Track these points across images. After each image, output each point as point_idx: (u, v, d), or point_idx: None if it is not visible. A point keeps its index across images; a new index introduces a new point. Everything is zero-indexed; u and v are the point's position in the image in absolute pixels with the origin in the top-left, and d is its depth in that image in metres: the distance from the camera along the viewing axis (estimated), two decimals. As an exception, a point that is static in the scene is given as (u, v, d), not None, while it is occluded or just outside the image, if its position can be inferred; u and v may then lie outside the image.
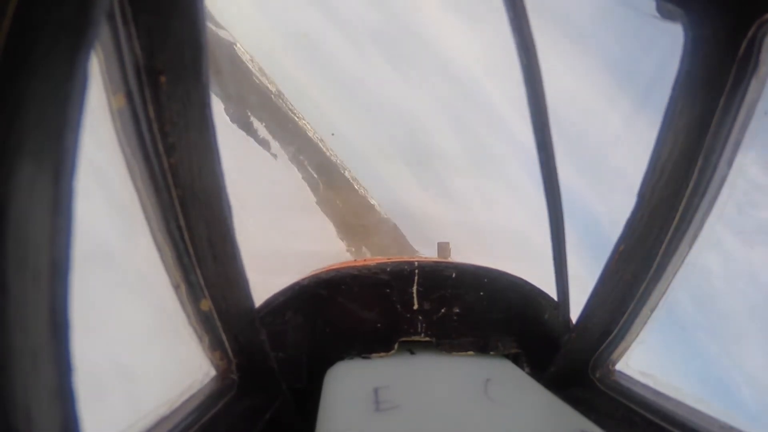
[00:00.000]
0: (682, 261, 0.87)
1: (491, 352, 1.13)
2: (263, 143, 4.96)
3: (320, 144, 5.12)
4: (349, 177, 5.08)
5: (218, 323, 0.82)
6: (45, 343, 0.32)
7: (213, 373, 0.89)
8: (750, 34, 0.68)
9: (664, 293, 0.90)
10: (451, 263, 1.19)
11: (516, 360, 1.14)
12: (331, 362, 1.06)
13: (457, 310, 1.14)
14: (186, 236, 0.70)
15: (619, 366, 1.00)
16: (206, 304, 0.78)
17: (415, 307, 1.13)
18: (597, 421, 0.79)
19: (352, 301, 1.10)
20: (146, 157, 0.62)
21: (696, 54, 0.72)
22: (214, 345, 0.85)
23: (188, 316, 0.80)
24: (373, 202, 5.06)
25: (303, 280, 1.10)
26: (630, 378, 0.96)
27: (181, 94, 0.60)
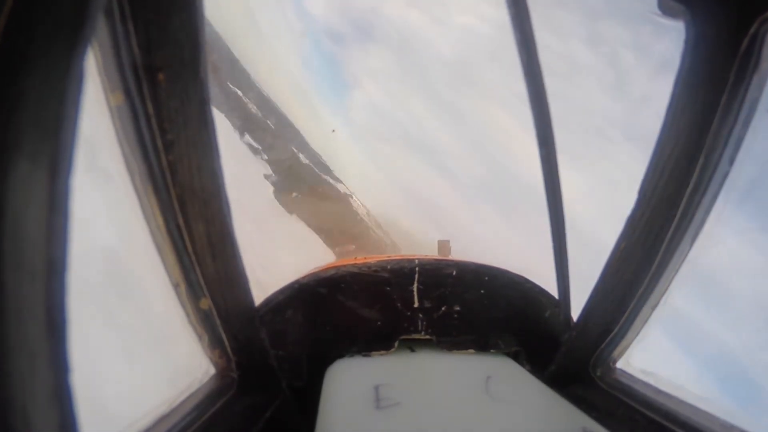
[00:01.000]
0: (684, 259, 0.86)
1: (492, 350, 1.13)
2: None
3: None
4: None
5: (218, 322, 0.81)
6: (42, 342, 0.32)
7: (212, 371, 0.89)
8: (752, 30, 0.68)
9: (665, 291, 0.89)
10: (452, 261, 1.19)
11: (516, 358, 1.14)
12: (331, 360, 1.06)
13: (458, 308, 1.13)
14: (185, 235, 0.70)
15: (620, 364, 0.99)
16: (206, 303, 0.78)
17: (416, 305, 1.13)
18: (598, 419, 0.79)
19: (352, 299, 1.10)
20: (145, 155, 0.62)
21: (697, 51, 0.72)
22: (214, 343, 0.85)
23: (188, 315, 0.80)
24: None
25: (303, 278, 1.10)
26: (631, 376, 0.96)
27: (179, 91, 0.60)
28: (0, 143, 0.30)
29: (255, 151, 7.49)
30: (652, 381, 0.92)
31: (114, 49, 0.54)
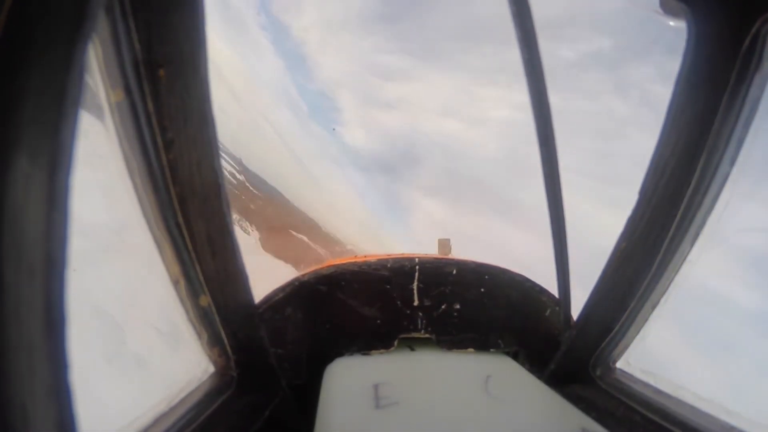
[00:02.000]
0: (684, 259, 0.86)
1: (491, 349, 1.13)
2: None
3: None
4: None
5: (217, 319, 0.81)
6: (41, 339, 0.32)
7: (212, 369, 0.89)
8: (753, 30, 0.68)
9: (665, 291, 0.89)
10: (452, 260, 1.19)
11: (516, 357, 1.14)
12: (330, 359, 1.06)
13: (458, 307, 1.13)
14: (185, 232, 0.70)
15: (620, 364, 0.99)
16: (205, 300, 0.78)
17: (416, 303, 1.13)
18: (597, 419, 0.79)
19: (352, 297, 1.10)
20: (145, 153, 0.62)
21: (699, 50, 0.72)
22: (213, 341, 0.85)
23: (187, 312, 0.79)
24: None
25: (303, 275, 1.10)
26: (631, 376, 0.96)
27: (180, 88, 0.60)
28: (0, 140, 0.30)
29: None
30: (651, 381, 0.92)
31: (115, 45, 0.54)
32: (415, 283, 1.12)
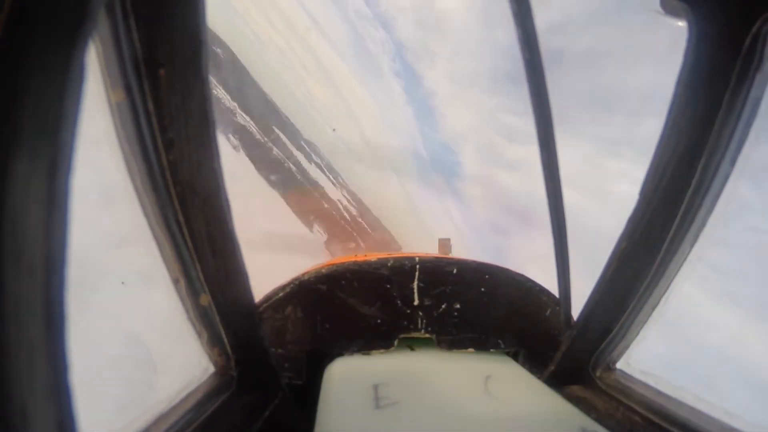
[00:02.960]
0: (684, 259, 0.86)
1: (491, 350, 1.13)
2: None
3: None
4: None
5: (217, 318, 0.81)
6: (40, 339, 0.32)
7: (212, 369, 0.89)
8: (754, 30, 0.68)
9: (665, 292, 0.89)
10: (453, 259, 1.19)
11: (516, 357, 1.14)
12: (330, 358, 1.06)
13: (458, 306, 1.13)
14: (185, 232, 0.70)
15: (620, 365, 0.99)
16: (205, 299, 0.78)
17: (416, 303, 1.13)
18: (597, 420, 0.79)
19: (352, 297, 1.10)
20: (145, 154, 0.62)
21: (700, 50, 0.71)
22: (213, 341, 0.85)
23: (187, 311, 0.79)
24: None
25: (303, 275, 1.10)
26: (631, 377, 0.96)
27: (180, 87, 0.60)
28: (0, 140, 0.30)
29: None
30: (651, 382, 0.92)
31: (115, 44, 0.54)
32: (416, 283, 1.12)
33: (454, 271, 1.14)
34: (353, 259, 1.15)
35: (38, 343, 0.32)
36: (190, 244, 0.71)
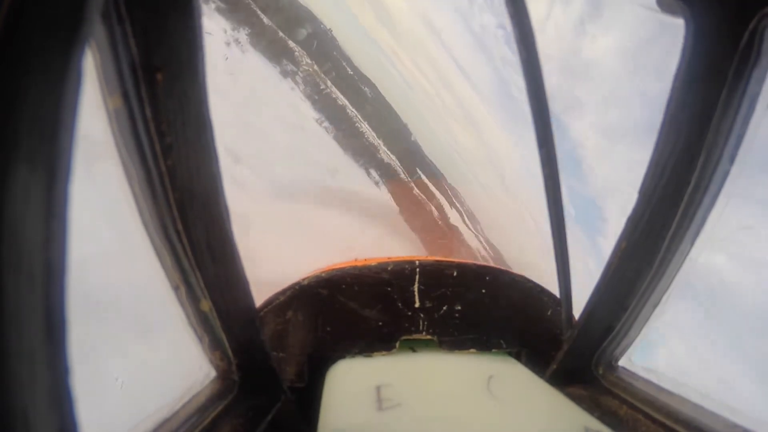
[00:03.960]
0: (685, 257, 0.86)
1: (493, 350, 1.13)
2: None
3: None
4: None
5: (218, 323, 0.81)
6: (41, 345, 0.32)
7: (213, 374, 0.89)
8: (751, 26, 0.68)
9: (666, 290, 0.89)
10: (453, 262, 1.19)
11: (518, 357, 1.14)
12: (332, 361, 1.06)
13: (459, 308, 1.13)
14: (184, 238, 0.70)
15: (622, 362, 0.99)
16: (206, 305, 0.78)
17: (417, 305, 1.13)
18: (600, 418, 0.79)
19: (353, 300, 1.10)
20: (143, 160, 0.62)
21: (697, 47, 0.72)
22: (214, 345, 0.85)
23: (188, 317, 0.79)
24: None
25: (303, 279, 1.10)
26: (633, 374, 0.96)
27: (178, 91, 0.60)
28: None
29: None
30: (654, 379, 0.91)
31: (112, 50, 0.54)
32: (416, 285, 1.12)
33: (455, 273, 1.14)
34: (353, 264, 1.15)
35: (39, 350, 0.32)
36: (189, 251, 0.71)
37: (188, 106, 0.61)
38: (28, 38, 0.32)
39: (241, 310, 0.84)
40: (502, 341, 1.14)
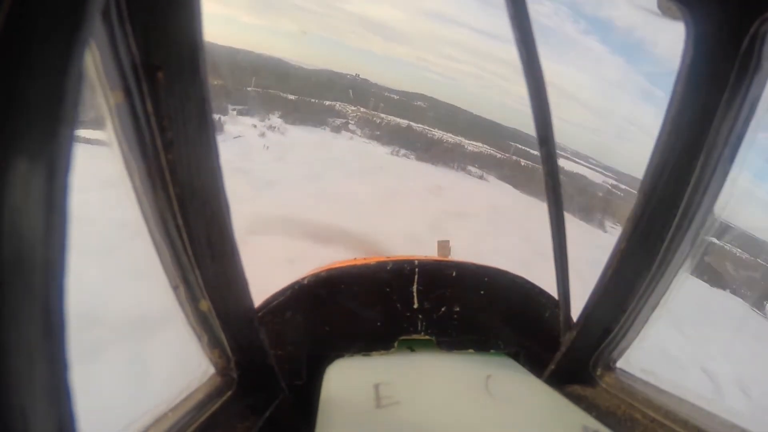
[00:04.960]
0: (684, 259, 0.86)
1: (492, 350, 1.13)
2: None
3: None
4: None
5: (217, 323, 0.81)
6: (40, 341, 0.32)
7: (212, 371, 0.89)
8: (752, 30, 0.68)
9: (666, 291, 0.89)
10: (452, 262, 1.19)
11: (517, 358, 1.14)
12: (330, 360, 1.06)
13: (458, 309, 1.13)
14: (184, 235, 0.70)
15: (621, 363, 0.99)
16: (205, 305, 0.78)
17: (415, 305, 1.13)
18: (598, 418, 0.79)
19: (351, 300, 1.10)
20: (144, 154, 0.62)
21: (698, 51, 0.72)
22: (213, 343, 0.85)
23: (187, 316, 0.79)
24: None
25: (302, 279, 1.10)
26: (632, 375, 0.96)
27: (178, 90, 0.60)
28: None
29: None
30: (652, 380, 0.92)
31: (112, 49, 0.54)
32: (415, 286, 1.12)
33: (454, 273, 1.14)
34: (352, 263, 1.15)
35: (38, 346, 0.32)
36: (189, 249, 0.71)
37: (189, 104, 0.62)
38: (29, 36, 0.32)
39: (240, 310, 0.84)
40: (500, 342, 1.14)
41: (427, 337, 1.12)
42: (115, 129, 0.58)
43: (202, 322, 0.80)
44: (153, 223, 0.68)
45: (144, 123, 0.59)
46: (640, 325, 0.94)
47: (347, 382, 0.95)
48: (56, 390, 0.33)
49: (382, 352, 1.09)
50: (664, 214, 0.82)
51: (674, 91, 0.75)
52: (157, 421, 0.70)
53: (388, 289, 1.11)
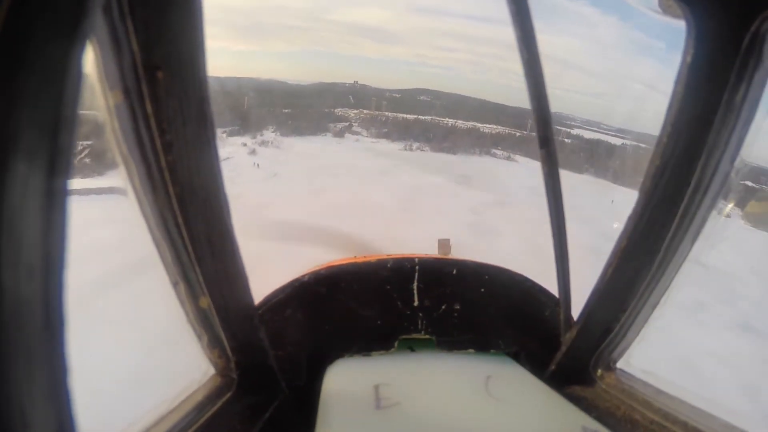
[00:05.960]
0: (685, 258, 0.86)
1: (492, 350, 1.13)
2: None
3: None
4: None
5: (217, 320, 0.81)
6: (40, 342, 0.32)
7: (212, 371, 0.89)
8: (753, 29, 0.68)
9: (666, 291, 0.89)
10: (452, 260, 1.19)
11: (517, 358, 1.14)
12: (331, 360, 1.06)
13: (458, 307, 1.13)
14: (184, 233, 0.70)
15: (621, 364, 0.99)
16: (205, 302, 0.78)
17: (416, 303, 1.12)
18: (598, 419, 0.79)
19: (352, 298, 1.09)
20: (144, 155, 0.62)
21: (699, 49, 0.71)
22: (213, 343, 0.85)
23: (187, 314, 0.79)
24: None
25: (302, 276, 1.09)
26: (632, 376, 0.96)
27: (178, 89, 0.60)
28: None
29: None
30: (652, 381, 0.92)
31: (113, 47, 0.53)
32: (415, 284, 1.12)
33: (454, 271, 1.14)
34: (352, 261, 1.15)
35: (37, 346, 0.31)
36: (189, 247, 0.71)
37: (189, 103, 0.61)
38: (29, 34, 0.32)
39: (240, 307, 0.84)
40: (500, 341, 1.14)
41: (427, 336, 1.12)
42: (115, 129, 0.58)
43: (202, 320, 0.80)
44: (153, 221, 0.68)
45: (143, 124, 0.59)
46: (640, 324, 0.93)
47: (347, 382, 0.95)
48: (56, 391, 0.33)
49: (383, 351, 1.09)
50: (665, 213, 0.82)
51: (675, 90, 0.75)
52: (157, 422, 0.70)
53: (388, 287, 1.11)
